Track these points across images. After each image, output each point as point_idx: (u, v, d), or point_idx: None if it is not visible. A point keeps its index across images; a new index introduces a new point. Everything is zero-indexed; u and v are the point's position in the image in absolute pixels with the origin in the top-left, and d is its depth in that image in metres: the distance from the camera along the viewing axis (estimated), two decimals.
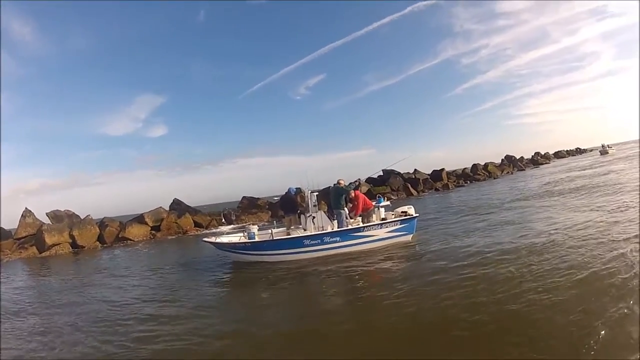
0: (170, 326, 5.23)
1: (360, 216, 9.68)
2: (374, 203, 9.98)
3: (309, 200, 9.66)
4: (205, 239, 10.08)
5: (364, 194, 16.12)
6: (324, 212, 9.58)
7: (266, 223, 17.83)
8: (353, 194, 9.36)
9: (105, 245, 17.37)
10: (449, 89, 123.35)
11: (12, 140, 78.25)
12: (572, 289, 4.80)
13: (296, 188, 10.98)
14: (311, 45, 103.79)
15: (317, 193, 9.94)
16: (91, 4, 74.75)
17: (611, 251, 6.14)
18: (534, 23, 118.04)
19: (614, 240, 6.79)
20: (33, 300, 8.01)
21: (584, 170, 27.70)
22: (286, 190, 10.97)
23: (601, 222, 8.57)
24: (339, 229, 9.00)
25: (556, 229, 8.50)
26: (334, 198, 9.35)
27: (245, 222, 17.98)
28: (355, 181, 9.80)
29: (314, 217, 9.37)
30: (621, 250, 6.09)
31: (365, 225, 9.11)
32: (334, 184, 9.59)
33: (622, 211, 9.48)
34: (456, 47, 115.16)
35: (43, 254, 16.36)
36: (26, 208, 18.09)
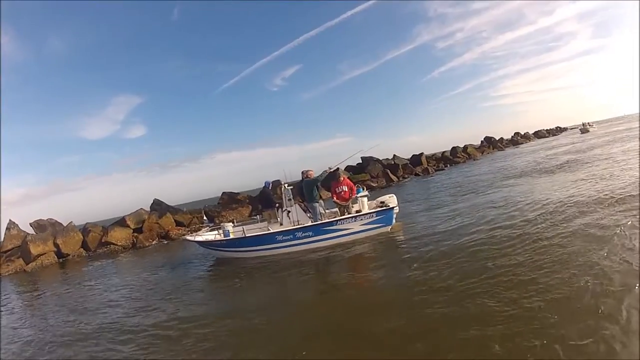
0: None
1: (338, 207, 9.50)
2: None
3: (284, 194, 9.70)
4: (188, 237, 10.68)
5: (357, 183, 16.23)
6: (300, 205, 9.53)
7: (248, 218, 18.22)
8: (342, 178, 9.31)
9: (89, 252, 17.64)
10: (425, 74, 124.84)
11: None
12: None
13: (273, 181, 11.12)
14: (285, 37, 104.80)
15: (292, 187, 9.91)
16: (65, 4, 74.18)
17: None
18: (509, 5, 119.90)
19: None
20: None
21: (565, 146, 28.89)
22: (263, 184, 11.15)
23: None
24: (311, 224, 8.95)
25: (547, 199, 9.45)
26: (307, 191, 9.34)
27: (226, 219, 18.45)
28: (326, 170, 9.65)
29: (289, 212, 9.43)
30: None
31: (338, 218, 8.90)
32: (304, 177, 9.49)
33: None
34: (431, 31, 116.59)
35: (29, 265, 16.63)
36: (10, 220, 18.29)
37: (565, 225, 6.96)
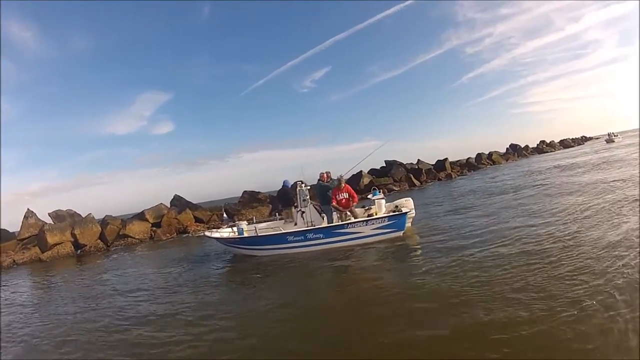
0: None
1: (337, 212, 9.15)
2: (369, 196, 9.87)
3: (298, 195, 9.55)
4: (206, 233, 10.92)
5: (373, 186, 16.01)
6: (315, 207, 9.42)
7: (267, 217, 17.66)
8: (343, 185, 9.02)
9: (106, 244, 17.31)
10: (454, 79, 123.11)
11: (15, 144, 79.27)
12: None
13: (297, 182, 11.03)
14: (316, 39, 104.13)
15: (309, 187, 9.75)
16: (91, 3, 75.25)
17: None
18: (537, 10, 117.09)
19: None
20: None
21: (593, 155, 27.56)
22: (282, 184, 11.05)
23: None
24: (322, 226, 8.90)
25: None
26: (320, 194, 9.41)
27: (245, 217, 17.85)
28: (340, 176, 9.49)
29: (303, 212, 9.33)
30: None
31: (349, 222, 8.73)
32: (318, 180, 9.59)
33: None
34: (460, 36, 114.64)
35: (45, 254, 16.30)
36: (28, 209, 18.06)
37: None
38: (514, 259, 5.73)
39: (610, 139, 45.96)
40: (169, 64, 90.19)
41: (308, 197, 9.52)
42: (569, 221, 7.66)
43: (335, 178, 9.36)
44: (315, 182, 9.96)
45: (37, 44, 77.82)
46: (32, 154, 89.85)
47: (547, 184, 14.83)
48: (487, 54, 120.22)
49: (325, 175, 9.55)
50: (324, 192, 9.28)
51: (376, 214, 8.96)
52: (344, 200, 9.06)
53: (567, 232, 6.78)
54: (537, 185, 15.12)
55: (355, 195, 9.24)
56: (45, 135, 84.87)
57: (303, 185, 9.54)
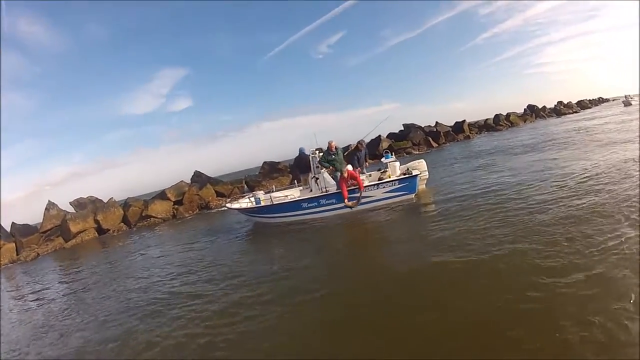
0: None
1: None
2: (382, 159, 10.00)
3: (312, 162, 9.70)
4: (227, 205, 11.79)
5: (386, 149, 15.71)
6: (328, 173, 9.37)
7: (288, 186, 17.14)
8: (346, 175, 8.66)
9: (129, 226, 16.95)
10: (468, 40, 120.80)
11: (35, 135, 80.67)
12: None
13: (316, 148, 10.63)
14: (329, 4, 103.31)
15: (321, 154, 9.73)
16: None
17: None
18: None
19: None
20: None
21: None
22: (299, 152, 11.29)
23: None
24: (334, 191, 8.91)
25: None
26: (323, 161, 9.36)
27: (266, 188, 17.27)
28: (351, 145, 9.92)
29: (317, 179, 9.39)
30: None
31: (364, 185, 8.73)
32: (327, 148, 9.50)
33: None
34: None
35: (69, 243, 16.01)
36: (49, 201, 17.86)
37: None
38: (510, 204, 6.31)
39: (627, 101, 44.07)
40: (184, 39, 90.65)
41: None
42: None
43: (340, 148, 9.36)
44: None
45: (48, 36, 79.47)
46: (54, 142, 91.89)
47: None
48: (500, 15, 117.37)
49: (331, 143, 9.40)
50: (325, 160, 9.26)
51: (389, 177, 8.91)
52: (350, 184, 8.80)
53: None
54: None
55: (359, 177, 8.89)
56: (65, 122, 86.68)
57: (317, 152, 9.65)
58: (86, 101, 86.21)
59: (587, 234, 4.37)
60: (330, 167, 9.06)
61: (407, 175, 8.71)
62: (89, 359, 4.25)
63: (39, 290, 8.60)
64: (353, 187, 8.69)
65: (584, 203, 5.62)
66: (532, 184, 7.72)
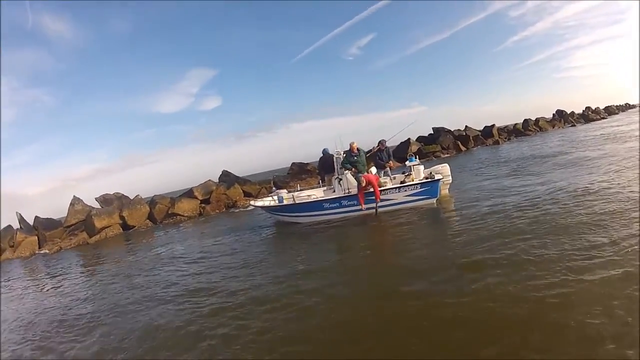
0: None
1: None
2: (406, 163, 9.82)
3: (335, 163, 9.62)
4: (252, 202, 12.02)
5: (414, 152, 15.17)
6: (352, 174, 9.25)
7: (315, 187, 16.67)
8: (364, 182, 8.51)
9: (155, 223, 16.54)
10: (498, 43, 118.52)
11: (61, 129, 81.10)
12: None
13: (345, 150, 10.26)
14: (360, 5, 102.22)
15: (345, 155, 9.63)
16: None
17: None
18: None
19: None
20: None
21: None
22: (322, 152, 10.95)
23: None
24: (356, 193, 8.82)
25: None
26: (343, 163, 9.30)
27: (295, 189, 16.72)
28: (373, 147, 9.98)
29: (340, 179, 9.33)
30: None
31: (382, 189, 8.70)
32: (349, 150, 9.46)
33: None
34: None
35: (93, 238, 15.62)
36: (74, 196, 17.56)
37: None
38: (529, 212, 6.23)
39: None
40: (213, 39, 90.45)
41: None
42: None
43: (363, 150, 9.28)
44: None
45: (73, 33, 79.60)
46: (80, 138, 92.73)
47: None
48: (530, 17, 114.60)
49: (353, 145, 9.26)
50: (347, 161, 9.12)
51: (413, 180, 8.82)
52: (369, 188, 8.67)
53: None
54: None
55: (377, 186, 8.63)
56: (91, 119, 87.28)
57: (342, 153, 9.54)
58: (117, 100, 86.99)
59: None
60: (353, 169, 8.90)
61: (429, 180, 8.54)
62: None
63: (57, 276, 8.93)
64: (369, 191, 8.57)
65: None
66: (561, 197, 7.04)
